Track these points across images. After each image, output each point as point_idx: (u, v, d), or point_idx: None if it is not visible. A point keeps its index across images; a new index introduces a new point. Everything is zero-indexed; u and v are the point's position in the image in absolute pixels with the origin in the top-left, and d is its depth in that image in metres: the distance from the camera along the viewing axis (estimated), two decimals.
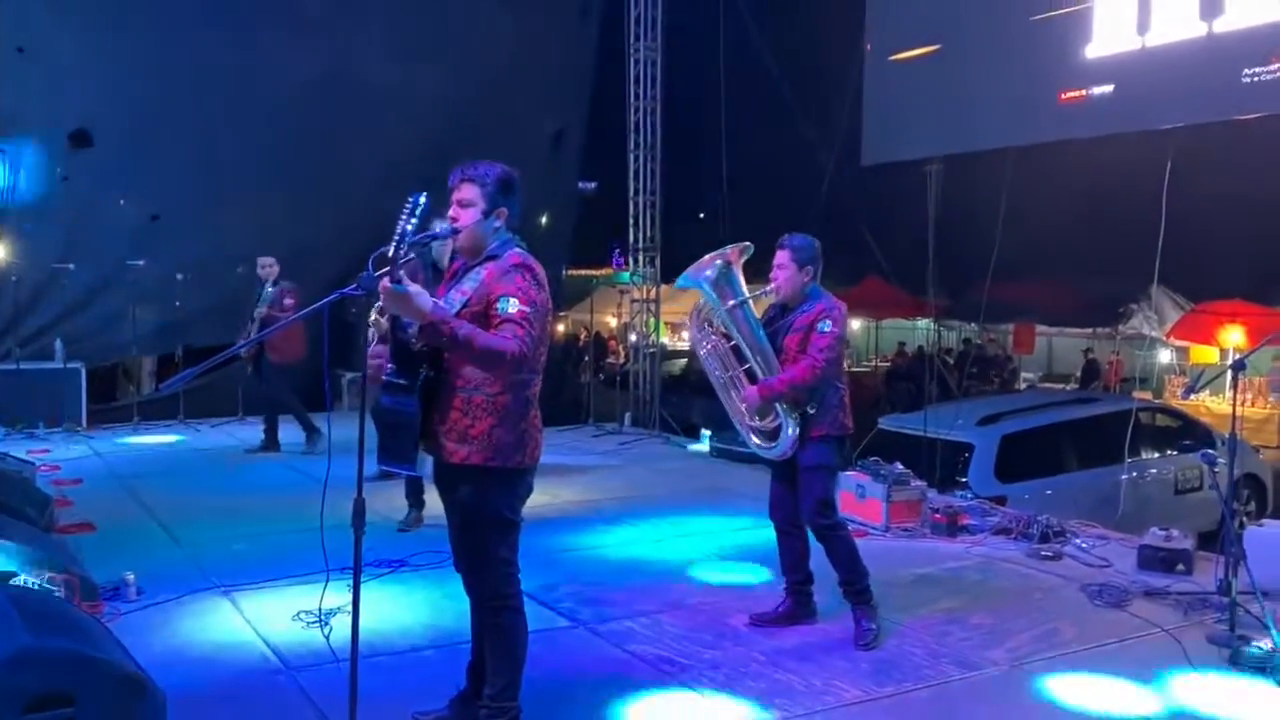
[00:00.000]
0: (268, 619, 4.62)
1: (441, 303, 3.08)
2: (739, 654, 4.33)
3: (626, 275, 12.39)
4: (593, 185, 15.88)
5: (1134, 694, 3.96)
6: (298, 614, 4.60)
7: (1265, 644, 4.26)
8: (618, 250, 12.59)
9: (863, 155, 10.72)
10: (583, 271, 25.73)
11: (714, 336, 4.60)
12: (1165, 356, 18.91)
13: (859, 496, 6.62)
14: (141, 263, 10.52)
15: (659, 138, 11.65)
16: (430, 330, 2.95)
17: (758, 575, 5.46)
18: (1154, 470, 8.79)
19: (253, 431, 9.44)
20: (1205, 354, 16.78)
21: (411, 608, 4.86)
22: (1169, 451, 9.14)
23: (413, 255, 2.97)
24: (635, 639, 4.50)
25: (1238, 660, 4.21)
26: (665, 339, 18.89)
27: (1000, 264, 9.48)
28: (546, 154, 16.86)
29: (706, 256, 4.53)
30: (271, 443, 8.89)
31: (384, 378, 3.15)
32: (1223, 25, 7.37)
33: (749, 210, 11.42)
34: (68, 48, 11.92)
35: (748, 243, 4.59)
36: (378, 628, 4.48)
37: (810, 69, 13.72)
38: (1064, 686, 4.02)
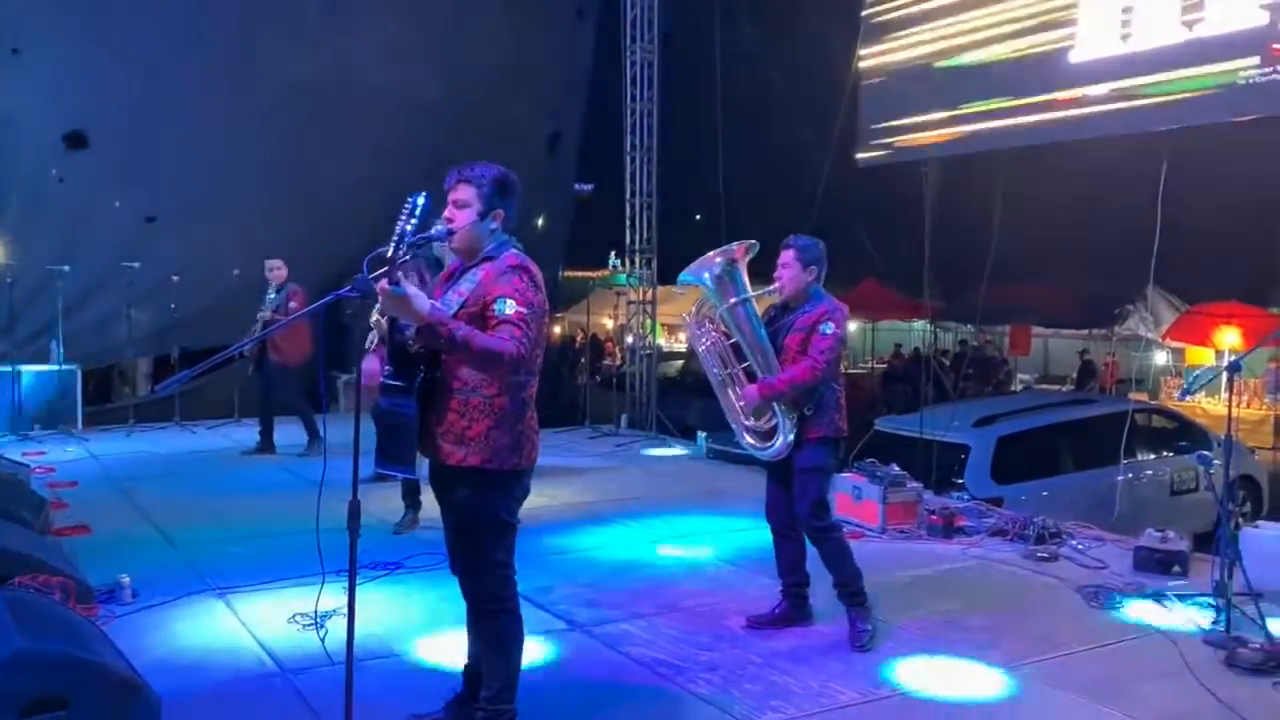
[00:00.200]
0: (263, 622, 4.61)
1: (439, 304, 3.08)
2: (736, 656, 4.33)
3: (623, 277, 12.39)
4: (589, 187, 15.88)
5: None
6: (293, 616, 4.59)
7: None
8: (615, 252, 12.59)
9: (858, 156, 10.73)
10: (579, 273, 25.75)
11: (714, 333, 4.59)
12: (1161, 358, 18.95)
13: (855, 498, 6.62)
14: (137, 265, 10.50)
15: (655, 139, 11.64)
16: (428, 332, 2.94)
17: (754, 577, 5.45)
18: (1150, 472, 8.80)
19: (249, 433, 9.42)
20: (1201, 355, 16.82)
21: (407, 610, 4.85)
22: (1165, 453, 9.14)
23: (409, 256, 2.96)
24: (631, 641, 4.50)
25: (1234, 662, 4.21)
26: (661, 341, 18.90)
27: (996, 266, 9.50)
28: (543, 156, 16.88)
29: (711, 253, 4.51)
30: (267, 444, 8.89)
31: (382, 380, 3.14)
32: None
33: (745, 212, 11.42)
34: (63, 49, 11.92)
35: (754, 241, 4.58)
36: (374, 630, 4.47)
37: (806, 70, 13.75)
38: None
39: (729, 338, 4.55)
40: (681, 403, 15.17)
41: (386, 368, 3.15)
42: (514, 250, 3.23)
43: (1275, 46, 7.02)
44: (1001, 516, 6.70)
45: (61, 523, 6.21)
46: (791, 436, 4.43)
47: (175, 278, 10.72)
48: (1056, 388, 18.69)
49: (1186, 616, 4.84)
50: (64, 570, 4.45)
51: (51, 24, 11.81)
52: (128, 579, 4.88)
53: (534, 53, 15.36)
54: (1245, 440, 11.59)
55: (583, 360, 17.88)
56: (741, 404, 4.53)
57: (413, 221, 2.92)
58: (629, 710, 3.85)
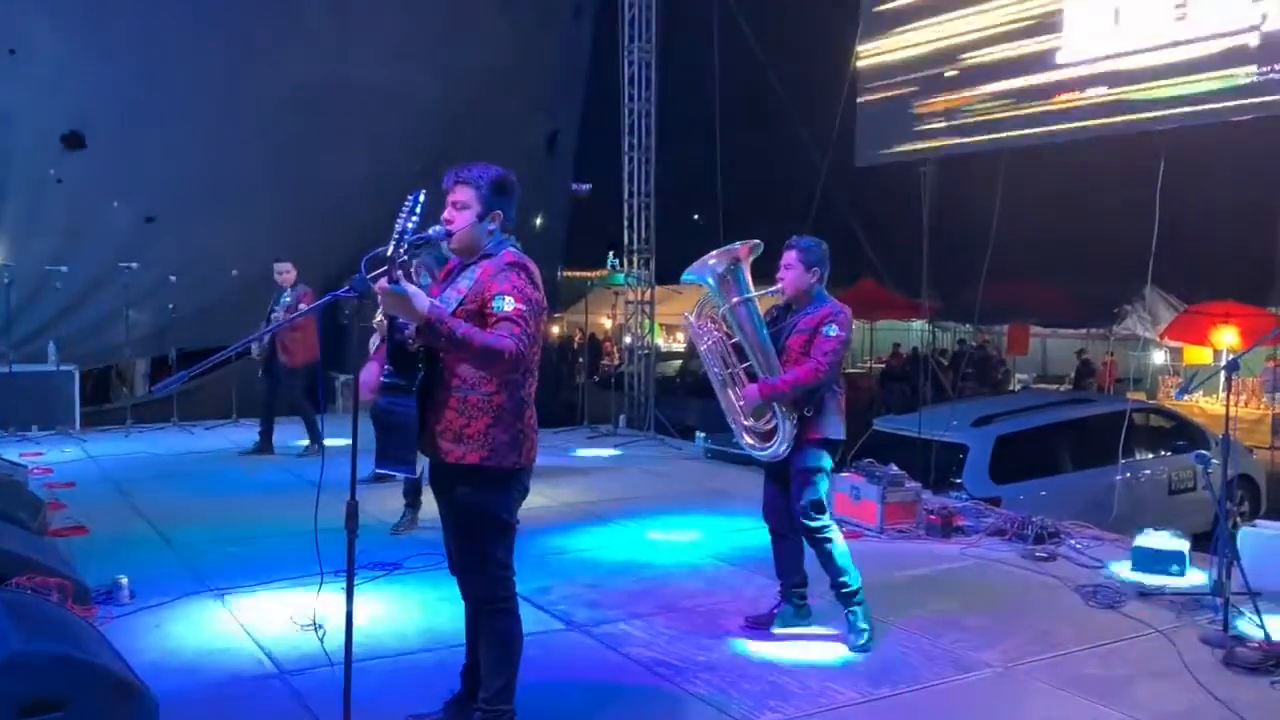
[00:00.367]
0: (261, 622, 4.61)
1: (438, 302, 3.07)
2: (734, 657, 4.33)
3: (621, 277, 12.38)
4: (587, 187, 15.90)
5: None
6: (292, 617, 4.58)
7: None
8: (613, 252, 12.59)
9: (856, 157, 10.75)
10: (578, 273, 25.77)
11: (715, 332, 4.58)
12: (1159, 357, 18.98)
13: (854, 498, 6.62)
14: (135, 265, 10.49)
15: (654, 139, 11.64)
16: (427, 330, 2.94)
17: (752, 577, 5.45)
18: (1148, 471, 8.80)
19: (247, 433, 9.42)
20: (1199, 355, 16.83)
21: (406, 611, 4.84)
22: (1163, 452, 9.14)
23: (408, 257, 2.95)
24: (630, 642, 4.49)
25: (1232, 661, 4.22)
26: (660, 341, 18.91)
27: (994, 265, 9.50)
28: (541, 155, 16.89)
29: (715, 251, 4.50)
30: (266, 445, 8.88)
31: (381, 379, 3.14)
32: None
33: (743, 212, 11.44)
34: (61, 50, 11.91)
35: (758, 240, 4.56)
36: (372, 631, 4.47)
37: (804, 71, 13.76)
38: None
39: (730, 337, 4.54)
40: (680, 403, 15.19)
41: (386, 367, 3.14)
42: (512, 248, 3.23)
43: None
44: (1000, 516, 6.70)
45: (59, 523, 6.20)
46: (790, 438, 4.43)
47: (173, 278, 10.71)
48: (1055, 387, 18.70)
49: (1185, 616, 4.84)
50: (61, 571, 4.44)
51: (49, 24, 11.81)
52: (125, 580, 4.88)
53: (532, 52, 15.37)
54: (1243, 439, 11.61)
55: (581, 360, 17.89)
56: (742, 403, 4.53)
57: (413, 220, 2.92)
58: (628, 710, 3.84)
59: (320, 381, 8.79)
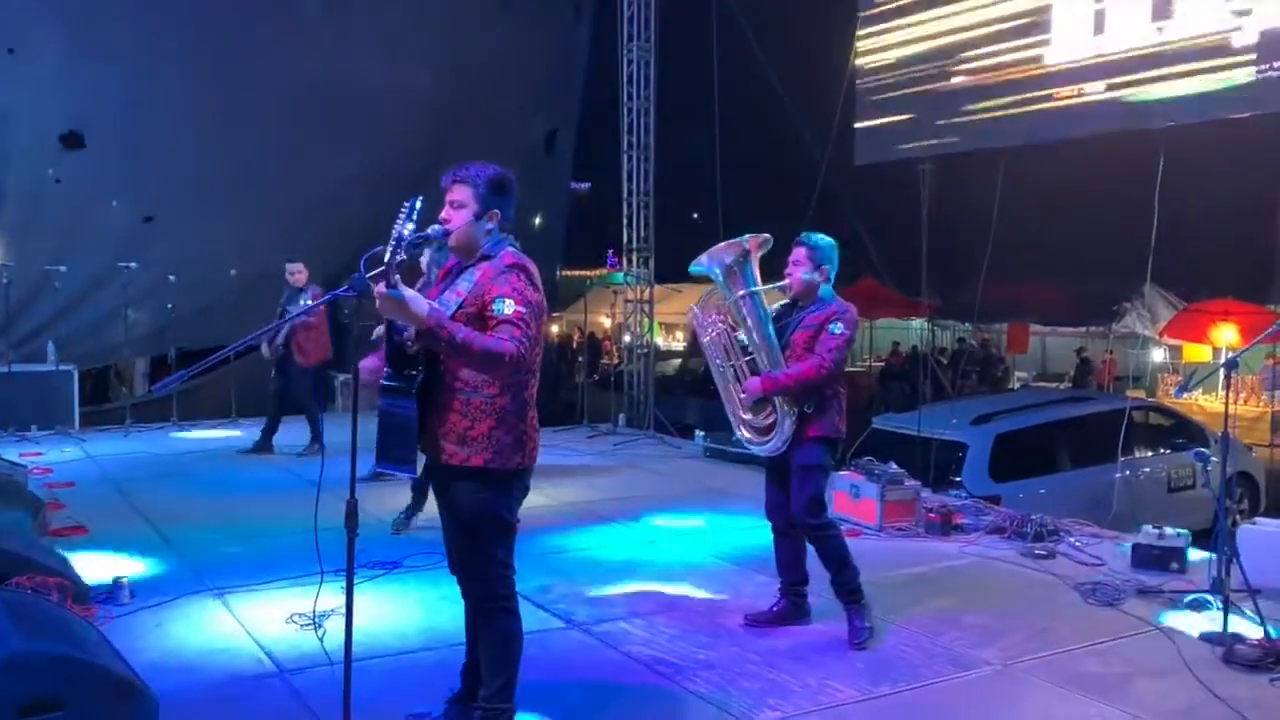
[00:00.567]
0: (261, 622, 4.60)
1: (437, 304, 3.07)
2: (734, 655, 4.33)
3: (620, 276, 12.38)
4: (586, 186, 15.89)
5: None
6: (291, 616, 4.58)
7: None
8: (612, 251, 12.59)
9: (856, 155, 10.75)
10: (577, 272, 25.76)
11: (720, 324, 4.58)
12: (1158, 355, 18.98)
13: (853, 496, 6.62)
14: (134, 265, 10.49)
15: (653, 138, 11.64)
16: (427, 334, 2.93)
17: (752, 576, 5.45)
18: (1147, 469, 8.81)
19: (247, 432, 9.42)
20: (1198, 352, 16.83)
21: (406, 610, 4.84)
22: (1162, 450, 9.15)
23: (406, 256, 2.95)
24: (630, 640, 4.50)
25: (1232, 658, 4.22)
26: (659, 340, 18.91)
27: (993, 264, 9.51)
28: (540, 154, 16.88)
29: (723, 244, 4.51)
30: (266, 444, 8.88)
31: (381, 381, 3.14)
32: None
33: (743, 210, 11.43)
34: (60, 50, 11.91)
35: (768, 235, 4.56)
36: (372, 630, 4.46)
37: (803, 69, 13.75)
38: None
39: (735, 330, 4.54)
40: (679, 401, 15.20)
41: (386, 369, 3.14)
42: (511, 249, 3.22)
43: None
44: (999, 514, 6.70)
45: (59, 523, 6.20)
46: (789, 433, 4.43)
47: (172, 278, 10.71)
48: (1054, 385, 18.70)
49: (1184, 613, 4.84)
50: (61, 571, 4.44)
51: (47, 24, 11.81)
52: (125, 579, 4.88)
53: (531, 51, 15.36)
54: (1242, 437, 11.61)
55: (580, 359, 17.90)
56: (742, 396, 4.52)
57: (410, 225, 2.92)
58: (628, 708, 3.85)
59: (321, 380, 8.78)
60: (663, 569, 5.66)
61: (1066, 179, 14.33)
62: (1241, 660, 4.19)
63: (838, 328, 4.39)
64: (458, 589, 3.37)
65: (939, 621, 4.75)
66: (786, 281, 4.53)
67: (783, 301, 4.66)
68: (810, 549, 4.60)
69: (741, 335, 4.53)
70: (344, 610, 2.92)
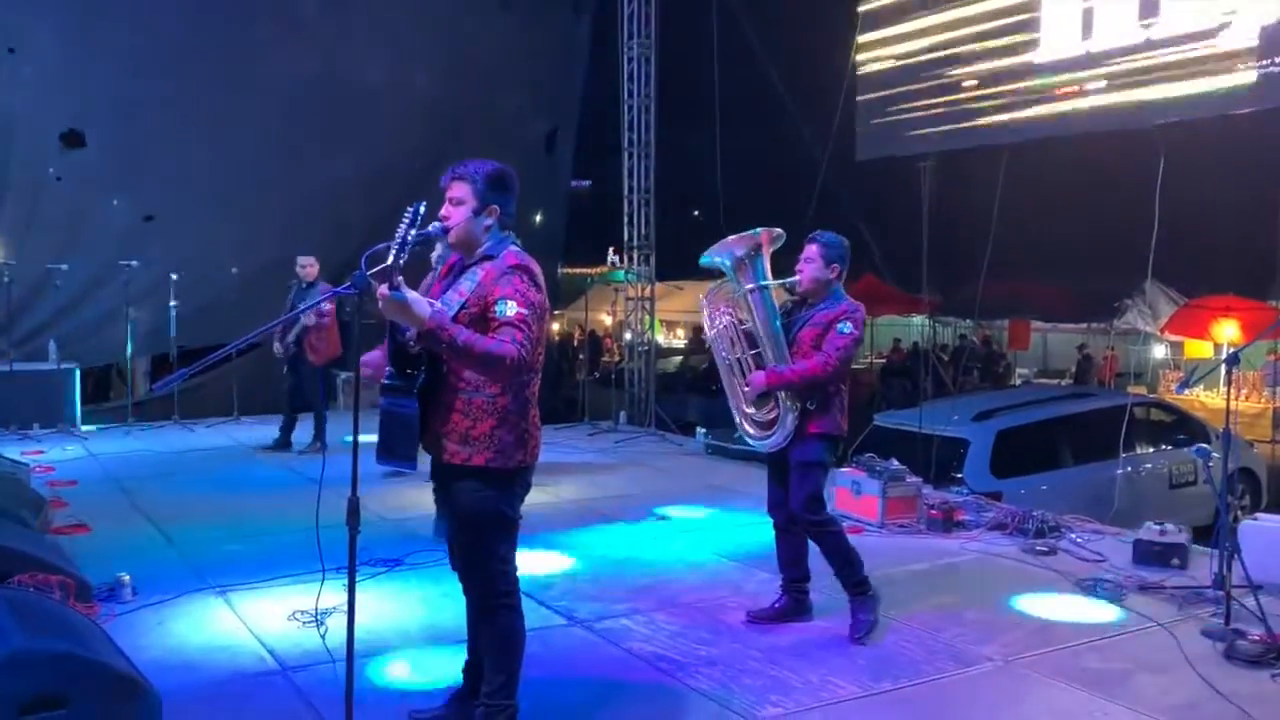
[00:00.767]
0: (263, 619, 4.61)
1: (439, 304, 3.07)
2: (736, 651, 4.33)
3: (621, 273, 12.38)
4: (586, 183, 15.88)
5: None
6: (293, 614, 4.58)
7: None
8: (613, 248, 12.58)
9: (857, 151, 10.74)
10: (578, 270, 25.76)
11: (728, 316, 4.58)
12: (1159, 351, 18.97)
13: (855, 493, 6.62)
14: (135, 263, 10.49)
15: (653, 135, 11.63)
16: (428, 336, 2.94)
17: (754, 572, 5.46)
18: (1149, 465, 8.81)
19: (249, 431, 9.44)
20: (1199, 348, 16.82)
21: (408, 606, 4.85)
22: (1164, 446, 9.14)
23: (408, 257, 2.95)
24: (632, 637, 4.50)
25: (1233, 654, 4.22)
26: (660, 337, 18.91)
27: (994, 260, 9.50)
28: (540, 152, 16.88)
29: (735, 236, 4.50)
30: (285, 441, 8.85)
31: (383, 380, 3.14)
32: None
33: (744, 207, 11.42)
34: (60, 49, 11.90)
35: (781, 230, 4.56)
36: (374, 627, 4.47)
37: (804, 65, 13.75)
38: None
39: (743, 323, 4.53)
40: (680, 399, 15.20)
41: (388, 368, 3.14)
42: (514, 248, 3.22)
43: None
44: (1001, 510, 6.70)
45: (61, 521, 6.21)
46: (791, 429, 4.43)
47: (173, 276, 10.71)
48: (1055, 382, 18.69)
49: (1185, 609, 4.84)
50: (64, 569, 4.45)
51: (48, 23, 11.81)
52: (127, 577, 4.88)
53: (530, 49, 15.34)
54: (1244, 433, 11.61)
55: (581, 357, 17.90)
56: (746, 390, 4.52)
57: (413, 232, 2.92)
58: (630, 705, 3.85)
59: (322, 378, 8.78)
60: (664, 566, 5.66)
61: (1067, 175, 14.32)
62: (1243, 656, 4.19)
63: (846, 327, 4.38)
64: (459, 586, 3.38)
65: (940, 618, 4.76)
66: (797, 277, 4.53)
67: (792, 298, 4.65)
68: (813, 545, 4.61)
69: (749, 329, 4.52)
70: (346, 607, 2.93)
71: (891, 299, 20.11)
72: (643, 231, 11.74)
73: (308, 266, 8.56)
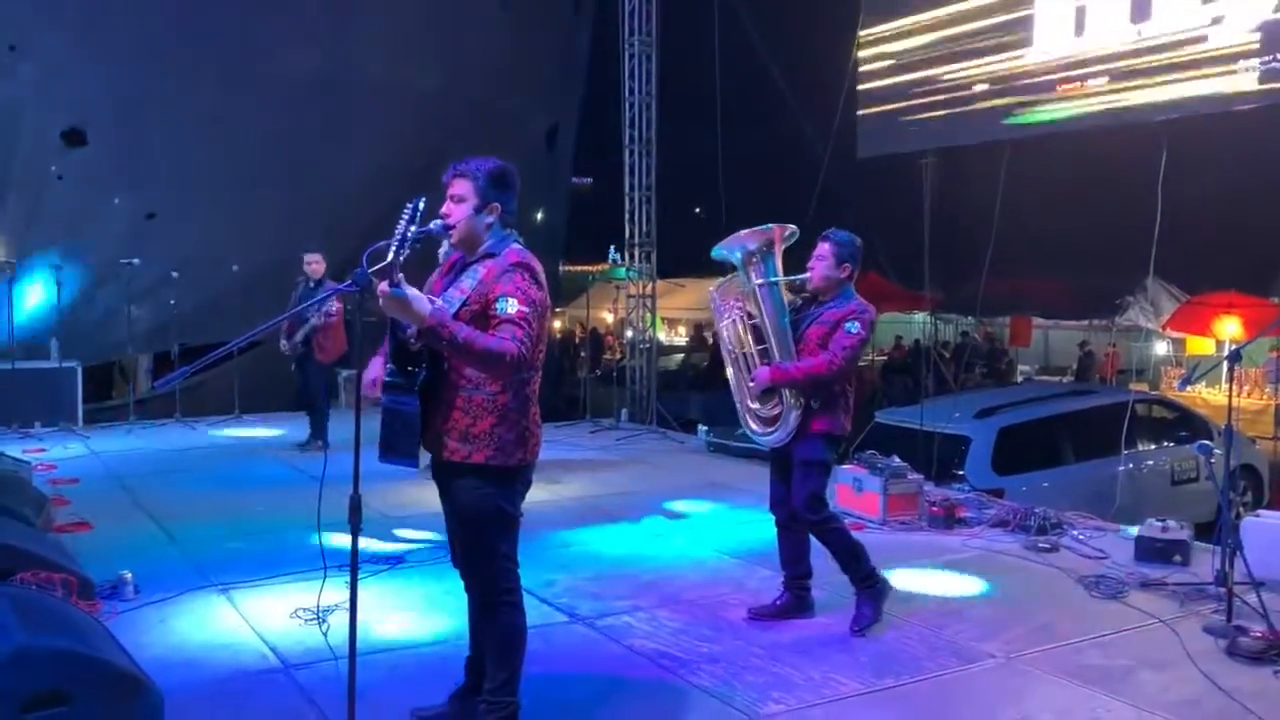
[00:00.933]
0: (265, 617, 4.61)
1: (440, 301, 3.07)
2: (738, 648, 4.33)
3: (623, 271, 12.38)
4: (588, 181, 15.88)
5: None
6: (295, 612, 4.58)
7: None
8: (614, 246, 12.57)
9: (858, 148, 10.73)
10: (579, 267, 25.75)
11: (736, 310, 4.57)
12: (1161, 348, 18.94)
13: (857, 490, 6.62)
14: (136, 261, 10.49)
15: (654, 132, 11.63)
16: (429, 334, 2.94)
17: (755, 569, 5.46)
18: (1151, 462, 8.80)
19: (250, 429, 9.43)
20: (1201, 345, 16.80)
21: (410, 604, 4.85)
22: (1166, 443, 9.14)
23: (409, 254, 2.95)
24: (634, 634, 4.50)
25: (1235, 651, 4.22)
26: (661, 335, 18.91)
27: (996, 257, 9.49)
28: (542, 149, 16.88)
29: (747, 231, 4.49)
30: (320, 435, 8.81)
31: (384, 378, 3.15)
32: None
33: (745, 205, 11.41)
34: (61, 47, 11.91)
35: (794, 227, 4.55)
36: (376, 624, 4.47)
37: (805, 62, 13.74)
38: None
39: (751, 317, 4.53)
40: (682, 396, 15.20)
41: (388, 365, 3.15)
42: (515, 246, 3.22)
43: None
44: (1002, 507, 6.70)
45: (63, 519, 6.21)
46: (794, 426, 4.42)
47: (175, 274, 10.72)
48: (1057, 379, 18.68)
49: (1187, 606, 4.84)
50: (66, 567, 4.45)
51: (49, 21, 11.80)
52: (130, 575, 4.89)
53: (531, 47, 15.35)
54: (1246, 430, 11.58)
55: (583, 354, 17.90)
56: (751, 384, 4.52)
57: (413, 228, 2.92)
58: (632, 702, 3.85)
59: (324, 375, 8.78)
60: (666, 563, 5.66)
61: (1069, 172, 14.30)
62: (1245, 652, 4.19)
63: (854, 327, 4.37)
64: (461, 583, 3.38)
65: (942, 615, 4.76)
66: (807, 275, 4.52)
67: (802, 294, 4.64)
68: (815, 543, 4.61)
69: (756, 323, 4.51)
70: (348, 605, 2.93)
71: (893, 296, 20.09)
72: (644, 229, 11.74)
73: (314, 264, 8.53)
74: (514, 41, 14.93)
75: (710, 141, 11.96)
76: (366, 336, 3.23)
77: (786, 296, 4.60)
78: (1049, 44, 8.64)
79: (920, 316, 19.54)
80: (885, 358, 21.74)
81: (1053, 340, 22.35)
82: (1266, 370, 15.50)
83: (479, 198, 3.18)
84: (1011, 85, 8.95)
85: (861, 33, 10.45)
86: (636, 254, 11.83)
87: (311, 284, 8.52)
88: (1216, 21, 7.37)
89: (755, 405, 4.55)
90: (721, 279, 4.69)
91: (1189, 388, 14.00)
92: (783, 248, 4.52)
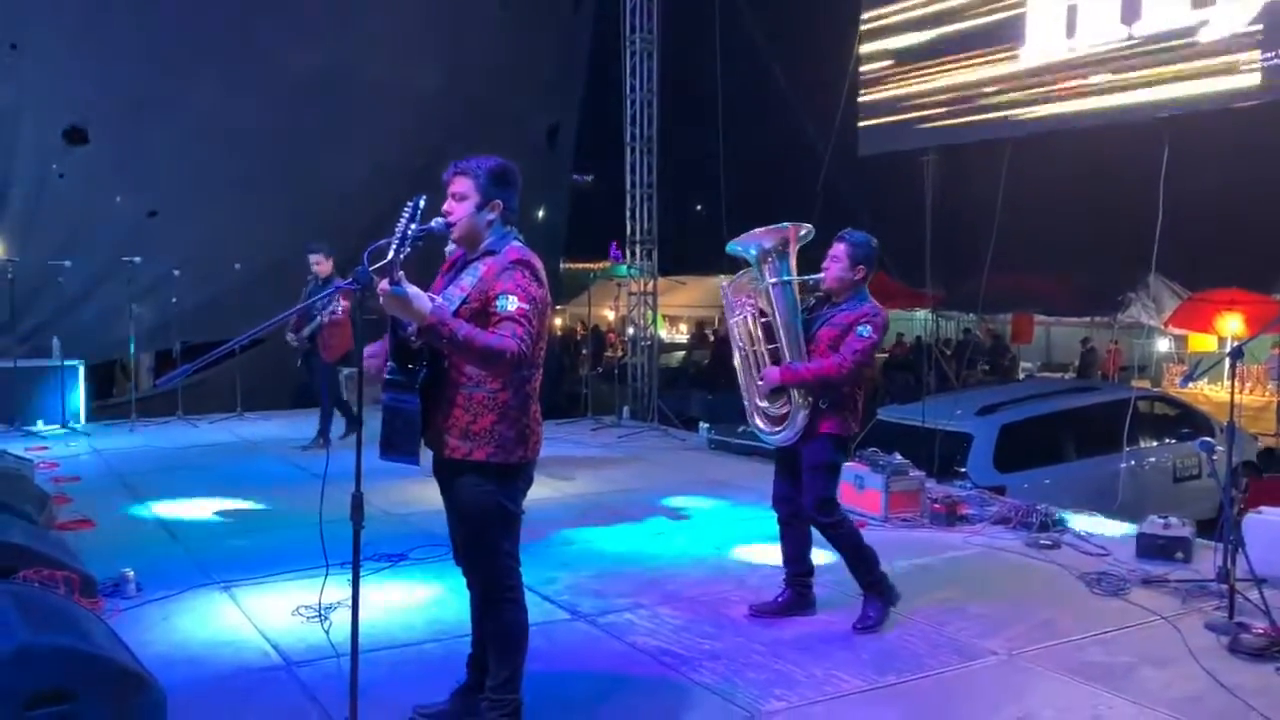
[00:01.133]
0: (267, 614, 4.62)
1: (440, 299, 3.07)
2: (739, 645, 4.34)
3: (624, 268, 12.38)
4: (589, 178, 15.86)
5: None
6: (297, 609, 4.59)
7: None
8: (615, 243, 12.58)
9: (860, 146, 10.72)
10: (580, 265, 25.75)
11: (748, 307, 4.56)
12: (1163, 345, 18.94)
13: (858, 487, 6.62)
14: (138, 259, 10.50)
15: (655, 130, 11.62)
16: (429, 331, 2.94)
17: (757, 567, 5.46)
18: (1153, 459, 8.80)
19: (251, 427, 9.43)
20: (1203, 342, 16.80)
21: (412, 601, 4.86)
22: (1167, 440, 9.14)
23: (410, 252, 2.95)
24: (635, 631, 4.50)
25: (1237, 647, 4.22)
26: (663, 332, 18.91)
27: (997, 254, 9.49)
28: (543, 148, 16.88)
29: (764, 229, 4.48)
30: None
31: (385, 375, 3.15)
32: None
33: (747, 202, 11.41)
34: (62, 45, 11.91)
35: (810, 226, 4.54)
36: (378, 622, 4.47)
37: (806, 60, 13.72)
38: None
39: (763, 315, 4.52)
40: (683, 394, 15.20)
41: (389, 363, 3.15)
42: (516, 244, 3.23)
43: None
44: (1004, 504, 6.70)
45: (65, 517, 6.22)
46: (801, 426, 4.42)
47: (176, 272, 10.72)
48: (1059, 376, 18.67)
49: (1189, 603, 4.84)
50: (68, 564, 4.46)
51: (50, 20, 11.81)
52: (132, 573, 4.89)
53: (532, 45, 15.35)
54: (1248, 426, 11.59)
55: (584, 352, 17.91)
56: (760, 383, 4.52)
57: (413, 226, 2.92)
58: (633, 699, 3.85)
59: (324, 373, 8.78)
60: (668, 560, 5.66)
61: (1070, 168, 14.29)
62: (1246, 649, 4.19)
63: (866, 330, 4.36)
64: (463, 581, 3.38)
65: (944, 612, 4.76)
66: (821, 275, 4.51)
67: (815, 294, 4.63)
68: (817, 540, 4.61)
69: (768, 322, 4.50)
70: (350, 603, 2.93)
71: (895, 293, 20.07)
72: (645, 226, 11.74)
73: (318, 263, 8.53)
74: (514, 41, 14.92)
75: (711, 139, 11.95)
76: (368, 334, 3.24)
77: (799, 294, 4.60)
78: (1047, 43, 8.63)
79: (922, 313, 19.54)
80: (887, 355, 21.73)
81: (1054, 337, 22.34)
82: (1268, 367, 15.50)
83: (480, 195, 3.18)
84: (1012, 83, 8.93)
85: (863, 31, 10.44)
86: (638, 251, 11.82)
87: (320, 282, 8.53)
88: (1203, 24, 7.37)
89: (764, 403, 4.55)
90: (733, 275, 4.68)
91: (1191, 384, 14.00)
92: (797, 246, 4.51)
